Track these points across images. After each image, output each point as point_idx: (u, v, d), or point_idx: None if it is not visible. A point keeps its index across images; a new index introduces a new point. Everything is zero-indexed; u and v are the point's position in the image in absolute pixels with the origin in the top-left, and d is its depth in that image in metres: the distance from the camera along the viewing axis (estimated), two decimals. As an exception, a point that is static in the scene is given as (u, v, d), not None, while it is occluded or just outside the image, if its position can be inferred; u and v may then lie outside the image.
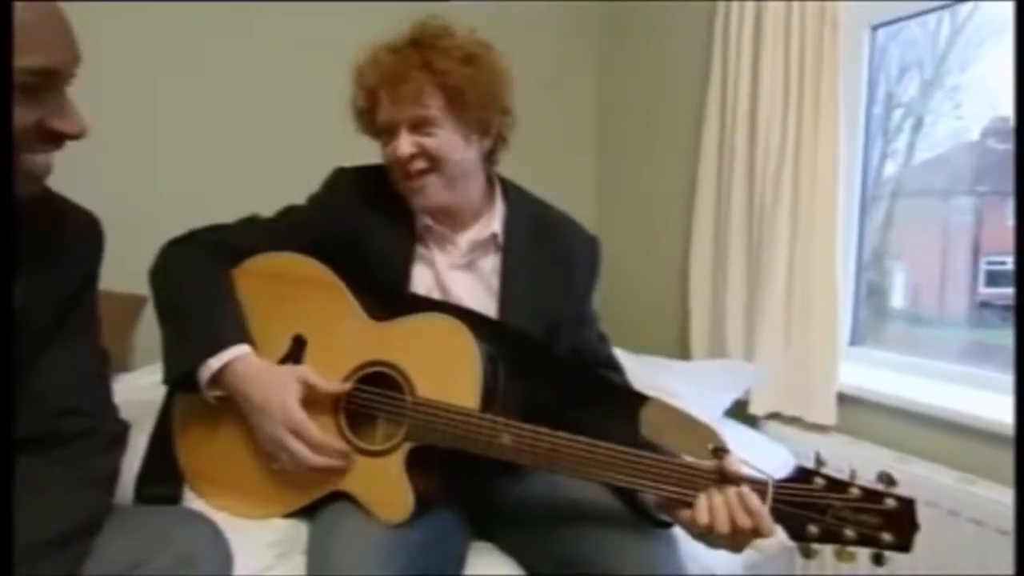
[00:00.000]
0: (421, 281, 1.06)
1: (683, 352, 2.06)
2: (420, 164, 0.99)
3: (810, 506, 0.79)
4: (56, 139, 0.67)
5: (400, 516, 0.90)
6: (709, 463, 0.84)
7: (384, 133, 1.01)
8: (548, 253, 1.08)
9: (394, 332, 0.97)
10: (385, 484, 0.91)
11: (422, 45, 0.98)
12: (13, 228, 0.67)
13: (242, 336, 0.96)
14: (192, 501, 1.00)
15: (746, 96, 1.80)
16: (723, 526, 0.78)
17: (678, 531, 0.90)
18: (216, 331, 0.95)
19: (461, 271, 1.08)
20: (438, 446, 0.91)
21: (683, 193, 2.08)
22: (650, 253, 2.26)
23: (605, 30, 2.42)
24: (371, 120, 1.03)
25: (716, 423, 1.61)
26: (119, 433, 0.83)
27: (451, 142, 1.00)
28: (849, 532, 0.77)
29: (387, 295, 1.01)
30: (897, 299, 1.89)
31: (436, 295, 1.06)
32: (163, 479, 1.01)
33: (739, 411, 1.76)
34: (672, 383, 1.50)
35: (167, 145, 1.76)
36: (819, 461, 0.82)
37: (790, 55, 1.68)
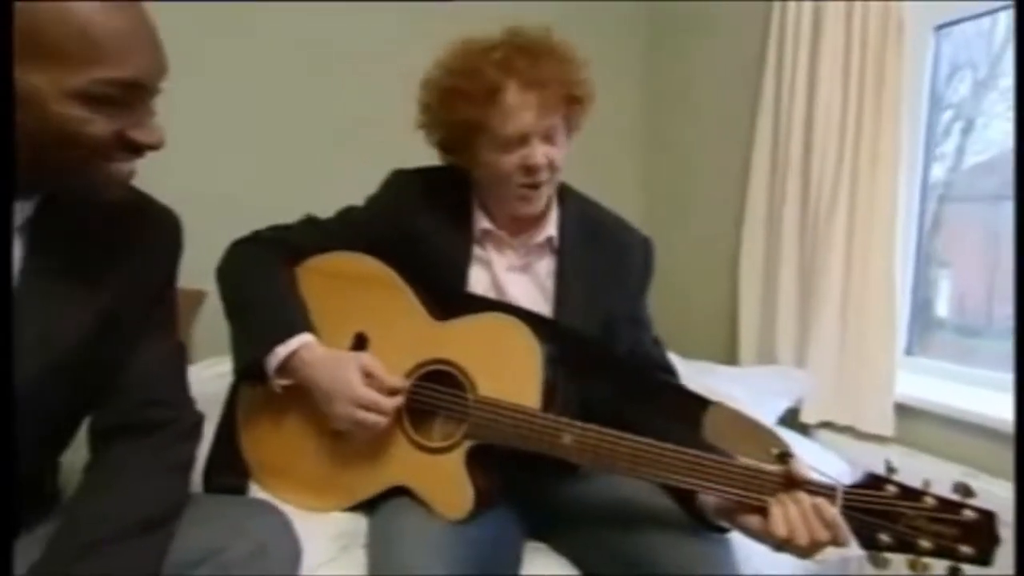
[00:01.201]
0: (478, 282, 1.07)
1: (730, 358, 2.03)
2: (545, 175, 1.00)
3: (881, 514, 0.77)
4: (135, 150, 0.68)
5: (460, 513, 0.91)
6: (775, 467, 0.82)
7: (509, 143, 0.97)
8: (602, 255, 1.09)
9: (455, 331, 0.99)
10: (445, 481, 0.93)
11: (548, 50, 0.98)
12: (8, 225, 0.67)
13: (307, 326, 0.98)
14: (256, 492, 1.03)
15: (802, 98, 1.76)
16: (802, 538, 0.77)
17: (732, 534, 0.90)
18: (282, 321, 0.98)
19: (517, 273, 1.08)
20: (498, 445, 0.91)
21: (732, 197, 2.05)
22: (696, 256, 2.24)
23: (651, 29, 2.40)
24: (473, 124, 0.98)
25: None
26: (196, 423, 0.86)
27: (564, 150, 1.02)
28: (924, 543, 0.75)
29: (446, 295, 1.03)
30: (942, 308, 1.83)
31: (492, 296, 1.07)
32: (229, 470, 1.04)
33: (790, 419, 1.73)
34: (722, 388, 1.48)
35: (224, 144, 1.81)
36: (890, 468, 0.80)
37: (850, 56, 1.64)
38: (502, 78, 0.96)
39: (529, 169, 0.98)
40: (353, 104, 1.91)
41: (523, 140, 0.98)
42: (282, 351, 0.95)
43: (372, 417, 0.93)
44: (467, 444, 0.93)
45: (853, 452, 1.62)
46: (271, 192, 1.39)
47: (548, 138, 0.99)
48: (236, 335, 1.01)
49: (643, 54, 2.42)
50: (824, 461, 1.56)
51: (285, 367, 0.96)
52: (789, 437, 1.63)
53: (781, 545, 0.80)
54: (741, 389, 1.55)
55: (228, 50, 1.80)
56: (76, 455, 0.83)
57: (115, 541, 0.69)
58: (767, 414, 1.60)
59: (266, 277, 1.04)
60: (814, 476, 0.81)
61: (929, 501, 0.76)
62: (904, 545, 0.76)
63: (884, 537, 0.76)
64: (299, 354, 0.95)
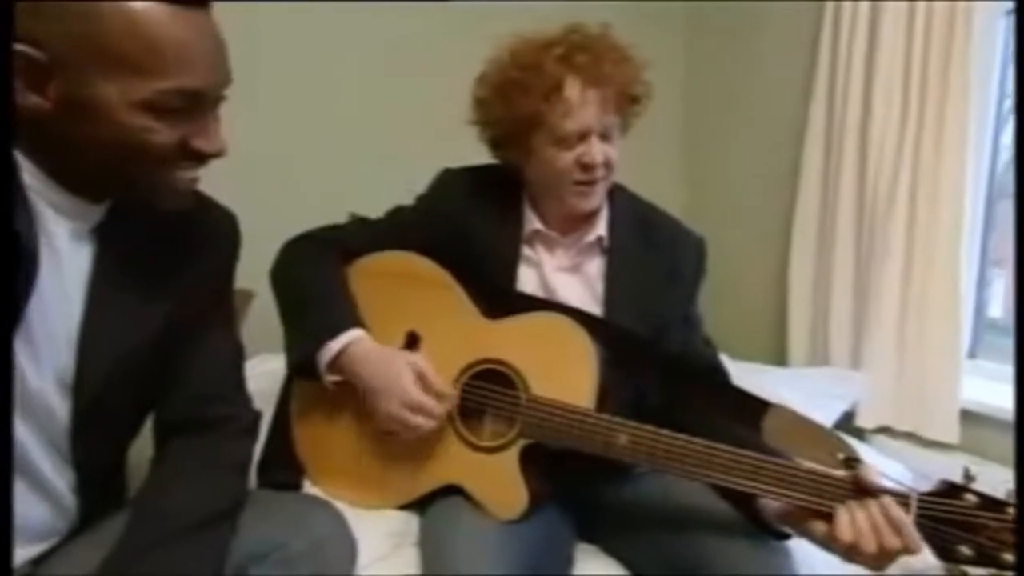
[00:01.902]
0: (527, 282, 1.07)
1: (779, 359, 1.97)
2: (601, 172, 0.99)
3: (961, 524, 0.73)
4: (198, 158, 0.69)
5: (513, 513, 0.90)
6: (842, 472, 0.79)
7: (568, 140, 0.97)
8: (653, 255, 1.07)
9: (506, 330, 0.98)
10: (499, 481, 0.92)
11: (607, 49, 0.98)
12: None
13: (358, 322, 0.99)
14: (309, 489, 1.04)
15: (858, 89, 1.70)
16: (869, 545, 0.74)
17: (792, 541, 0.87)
18: (333, 318, 0.98)
19: (566, 273, 1.07)
20: (551, 445, 0.90)
21: (781, 195, 1.99)
22: (744, 256, 2.18)
23: (692, 25, 2.35)
24: (531, 119, 0.97)
25: (824, 434, 1.54)
26: (254, 420, 0.88)
27: (618, 148, 1.01)
28: (1009, 557, 0.71)
29: (496, 294, 1.02)
30: (996, 308, 1.75)
31: (541, 296, 1.06)
32: (283, 466, 1.05)
33: (843, 423, 1.67)
34: (774, 391, 1.43)
35: (275, 148, 1.84)
36: (968, 477, 0.77)
37: (912, 43, 1.57)
38: (564, 73, 0.95)
39: (586, 166, 0.97)
40: (405, 102, 1.91)
41: (582, 137, 0.97)
42: (334, 346, 0.96)
43: (420, 420, 0.92)
44: (520, 443, 0.92)
45: (915, 459, 1.55)
46: (322, 192, 1.40)
47: (606, 136, 0.98)
48: (289, 332, 1.03)
49: (686, 51, 2.37)
50: (883, 468, 1.50)
51: (336, 363, 0.96)
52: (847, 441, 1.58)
53: (848, 553, 0.76)
54: (793, 391, 1.50)
55: (281, 51, 1.81)
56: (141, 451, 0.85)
57: (180, 536, 0.71)
58: (822, 417, 1.54)
59: (318, 275, 1.05)
60: (887, 483, 0.78)
61: (1012, 512, 0.72)
62: (986, 559, 0.72)
63: (964, 550, 0.73)
64: (350, 350, 0.96)
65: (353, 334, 0.97)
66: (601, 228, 1.07)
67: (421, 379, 0.94)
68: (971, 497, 0.74)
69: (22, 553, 0.73)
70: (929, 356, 1.58)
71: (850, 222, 1.75)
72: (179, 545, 0.70)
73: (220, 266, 0.84)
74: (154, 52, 0.62)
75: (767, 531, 0.88)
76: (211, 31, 0.67)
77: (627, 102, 1.00)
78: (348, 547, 0.80)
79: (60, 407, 0.72)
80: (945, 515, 0.74)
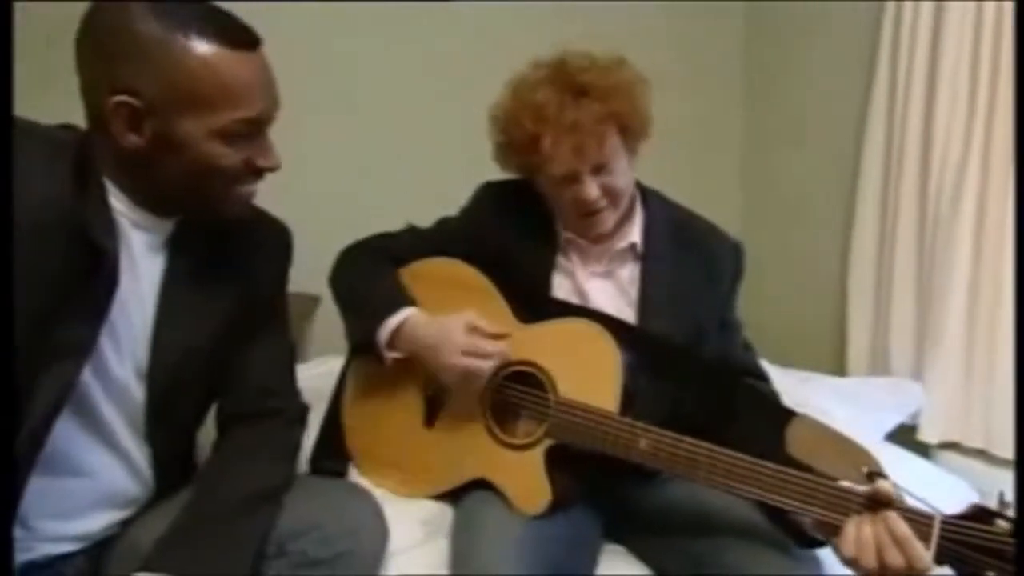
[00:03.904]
0: (561, 289, 1.10)
1: (837, 368, 1.90)
2: (603, 203, 1.01)
3: (989, 551, 0.71)
4: (259, 173, 0.81)
5: (536, 509, 0.94)
6: (861, 487, 0.79)
7: (562, 180, 1.00)
8: (689, 260, 1.08)
9: (539, 334, 1.02)
10: (525, 477, 0.97)
11: (588, 87, 0.97)
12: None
13: (413, 301, 1.06)
14: (354, 476, 1.12)
15: (920, 89, 1.62)
16: (869, 560, 0.73)
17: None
18: (390, 299, 1.06)
19: (600, 280, 1.10)
20: (576, 445, 0.94)
21: (840, 197, 1.92)
22: (800, 260, 2.12)
23: (750, 26, 2.30)
24: (528, 161, 1.03)
25: (877, 447, 1.48)
26: (303, 412, 0.97)
27: (625, 173, 1.03)
28: (1038, 585, 0.68)
29: (531, 300, 1.07)
30: None
31: (575, 303, 1.09)
32: (333, 455, 1.14)
33: (905, 436, 1.60)
34: (823, 400, 1.40)
35: (335, 159, 1.94)
36: (1003, 502, 0.74)
37: (980, 45, 1.49)
38: (539, 127, 0.97)
39: (583, 203, 1.00)
40: (460, 113, 1.96)
41: (572, 179, 0.99)
42: (392, 322, 1.02)
43: (476, 363, 0.97)
44: (547, 443, 0.96)
45: (984, 477, 1.47)
46: (380, 204, 1.47)
47: (599, 169, 0.99)
48: (349, 320, 1.10)
49: (744, 54, 2.32)
50: (945, 486, 1.44)
51: (394, 339, 1.03)
52: (903, 456, 1.52)
53: (850, 566, 0.76)
54: (844, 401, 1.46)
55: (335, 60, 1.88)
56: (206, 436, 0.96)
57: (232, 510, 0.80)
58: (874, 429, 1.49)
59: (373, 272, 1.13)
60: (908, 500, 0.77)
61: (1046, 540, 0.69)
62: (1013, 586, 0.69)
63: (990, 576, 0.71)
64: (407, 323, 1.02)
65: (409, 311, 1.04)
66: (634, 234, 1.08)
67: (474, 330, 0.99)
68: (1003, 523, 0.71)
69: (113, 516, 0.86)
70: (998, 369, 1.49)
71: (911, 227, 1.67)
72: (231, 518, 0.80)
73: (274, 273, 0.95)
74: (225, 89, 0.74)
75: (802, 540, 0.87)
76: (264, 66, 0.78)
77: (621, 130, 0.99)
78: (380, 533, 0.88)
79: (137, 393, 0.83)
80: (972, 540, 0.72)
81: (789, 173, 2.18)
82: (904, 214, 1.69)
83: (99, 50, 0.73)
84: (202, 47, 0.72)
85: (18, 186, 0.69)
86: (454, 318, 1.00)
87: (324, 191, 1.84)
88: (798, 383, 1.56)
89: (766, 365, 1.17)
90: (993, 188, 1.49)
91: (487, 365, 0.98)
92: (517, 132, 1.01)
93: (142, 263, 0.81)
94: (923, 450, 1.61)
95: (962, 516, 0.74)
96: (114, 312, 0.77)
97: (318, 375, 1.34)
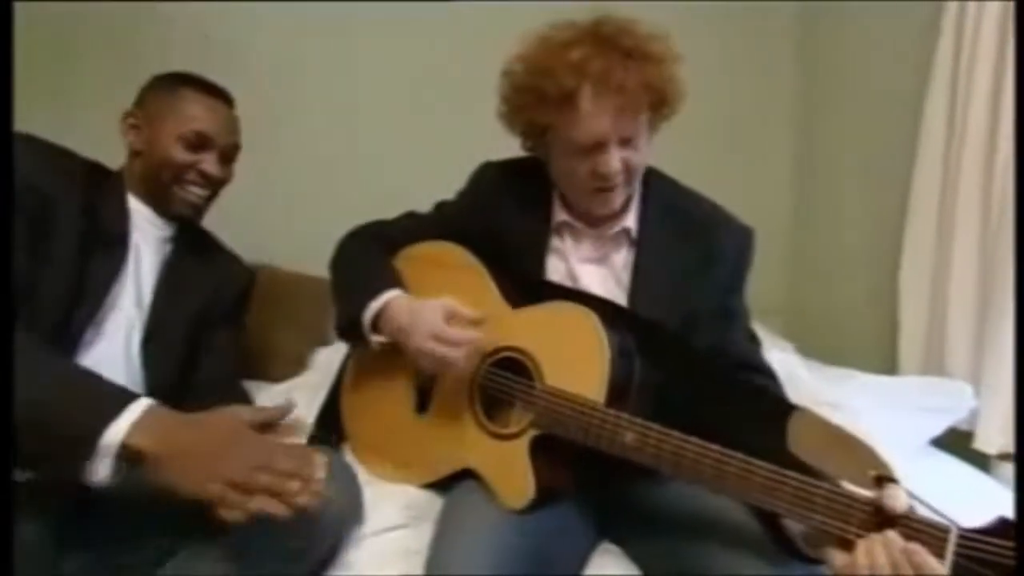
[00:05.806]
0: (554, 272, 1.06)
1: (888, 366, 1.76)
2: (620, 179, 0.96)
3: (1010, 569, 0.62)
4: (205, 178, 1.09)
5: (520, 502, 0.90)
6: (867, 493, 0.70)
7: (584, 148, 0.94)
8: (686, 244, 1.02)
9: (526, 319, 0.98)
10: (508, 468, 0.92)
11: (633, 50, 0.91)
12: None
13: (397, 284, 1.04)
14: (348, 456, 1.10)
15: (985, 79, 1.46)
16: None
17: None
18: (375, 283, 1.04)
19: (592, 264, 1.06)
20: (562, 437, 0.89)
21: (894, 187, 1.77)
22: (851, 251, 1.97)
23: (805, 17, 2.18)
24: (546, 122, 0.96)
25: (918, 453, 1.36)
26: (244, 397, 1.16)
27: (645, 151, 0.97)
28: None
29: (522, 283, 1.03)
30: None
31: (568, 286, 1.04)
32: (328, 429, 1.14)
33: (959, 443, 1.46)
34: (858, 400, 1.28)
35: (363, 147, 1.96)
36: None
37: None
38: (577, 81, 0.90)
39: (603, 176, 0.94)
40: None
41: (598, 147, 0.93)
42: (374, 305, 1.00)
43: (443, 349, 0.93)
44: (532, 433, 0.92)
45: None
46: (388, 195, 1.46)
47: (626, 142, 0.94)
48: (338, 303, 1.10)
49: (797, 50, 2.20)
50: (998, 499, 1.29)
51: (378, 322, 1.01)
52: (949, 463, 1.39)
53: None
54: (884, 402, 1.34)
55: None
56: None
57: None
58: (920, 432, 1.37)
59: (363, 257, 1.12)
60: (921, 511, 0.68)
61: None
62: (1034, 609, 0.60)
63: (1008, 595, 0.61)
64: (388, 308, 1.00)
65: (392, 293, 1.02)
66: (629, 219, 1.03)
67: (451, 316, 0.96)
68: (1031, 538, 0.62)
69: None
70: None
71: (972, 222, 1.51)
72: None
73: (233, 294, 1.20)
74: (194, 109, 1.07)
75: (794, 554, 0.79)
76: (230, 115, 1.13)
77: (654, 106, 0.94)
78: (352, 510, 0.91)
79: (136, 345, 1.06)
80: (992, 557, 0.63)
81: (840, 167, 2.05)
82: (962, 209, 1.52)
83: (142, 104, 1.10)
84: (190, 90, 1.09)
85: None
86: (431, 302, 0.97)
87: (337, 182, 1.86)
88: (832, 380, 1.45)
89: (794, 359, 1.08)
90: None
91: (456, 353, 0.94)
92: (548, 85, 0.92)
93: (146, 254, 1.07)
94: (982, 460, 1.46)
95: (983, 531, 0.65)
96: (119, 286, 1.01)
97: (336, 359, 1.35)
